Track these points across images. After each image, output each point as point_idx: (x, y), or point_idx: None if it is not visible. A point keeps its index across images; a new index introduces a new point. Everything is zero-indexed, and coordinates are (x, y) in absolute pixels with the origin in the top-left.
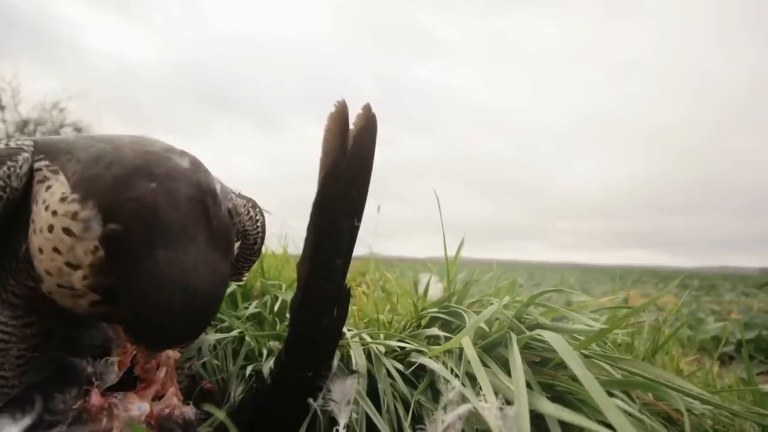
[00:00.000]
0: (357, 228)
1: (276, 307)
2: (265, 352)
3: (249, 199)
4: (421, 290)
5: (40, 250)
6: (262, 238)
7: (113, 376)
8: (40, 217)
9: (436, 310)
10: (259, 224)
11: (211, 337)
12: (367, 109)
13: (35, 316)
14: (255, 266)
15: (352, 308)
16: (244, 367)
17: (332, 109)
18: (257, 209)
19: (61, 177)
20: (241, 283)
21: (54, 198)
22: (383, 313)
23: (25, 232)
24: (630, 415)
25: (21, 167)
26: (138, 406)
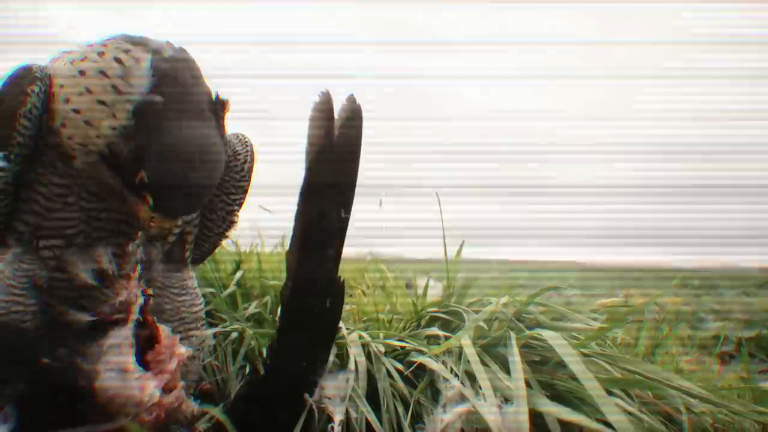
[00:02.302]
0: (347, 218)
1: (276, 307)
2: (264, 351)
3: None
4: (412, 289)
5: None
6: (252, 160)
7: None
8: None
9: (435, 309)
10: (248, 146)
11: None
12: (351, 99)
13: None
14: (255, 266)
15: (352, 307)
16: (243, 367)
17: (316, 98)
18: (246, 136)
19: None
20: (234, 227)
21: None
22: (383, 312)
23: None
24: (629, 413)
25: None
26: (154, 390)
